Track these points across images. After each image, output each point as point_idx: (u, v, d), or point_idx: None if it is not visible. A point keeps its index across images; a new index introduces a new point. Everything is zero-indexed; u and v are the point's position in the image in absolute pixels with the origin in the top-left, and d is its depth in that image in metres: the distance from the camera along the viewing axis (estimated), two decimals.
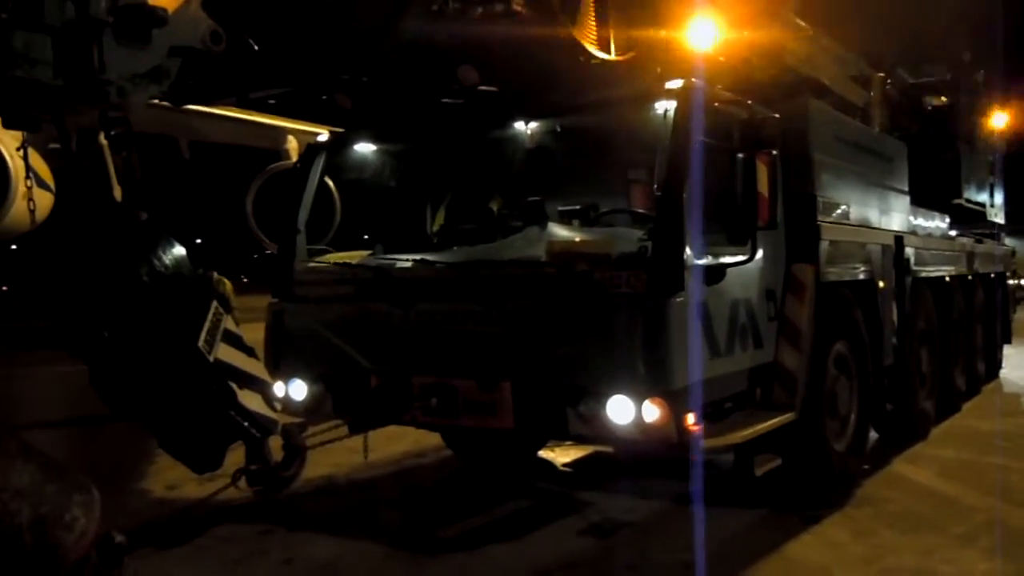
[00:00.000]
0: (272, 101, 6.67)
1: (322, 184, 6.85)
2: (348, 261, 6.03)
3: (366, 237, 7.15)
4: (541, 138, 5.92)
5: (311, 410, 5.99)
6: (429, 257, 5.67)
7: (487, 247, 5.68)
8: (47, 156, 17.19)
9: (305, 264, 6.23)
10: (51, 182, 17.39)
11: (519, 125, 5.91)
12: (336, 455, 6.94)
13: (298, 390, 6.01)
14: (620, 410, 4.78)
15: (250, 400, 3.97)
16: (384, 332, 5.67)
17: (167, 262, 3.87)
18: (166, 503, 6.61)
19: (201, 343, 3.79)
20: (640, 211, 5.47)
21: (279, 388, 6.09)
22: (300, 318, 6.11)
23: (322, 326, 5.94)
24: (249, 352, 4.22)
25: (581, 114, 5.65)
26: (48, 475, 3.33)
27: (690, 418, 4.71)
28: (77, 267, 3.67)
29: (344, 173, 6.99)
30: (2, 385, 14.20)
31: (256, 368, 4.21)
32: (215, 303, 4.08)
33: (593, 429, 4.94)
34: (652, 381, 4.71)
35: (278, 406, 4.23)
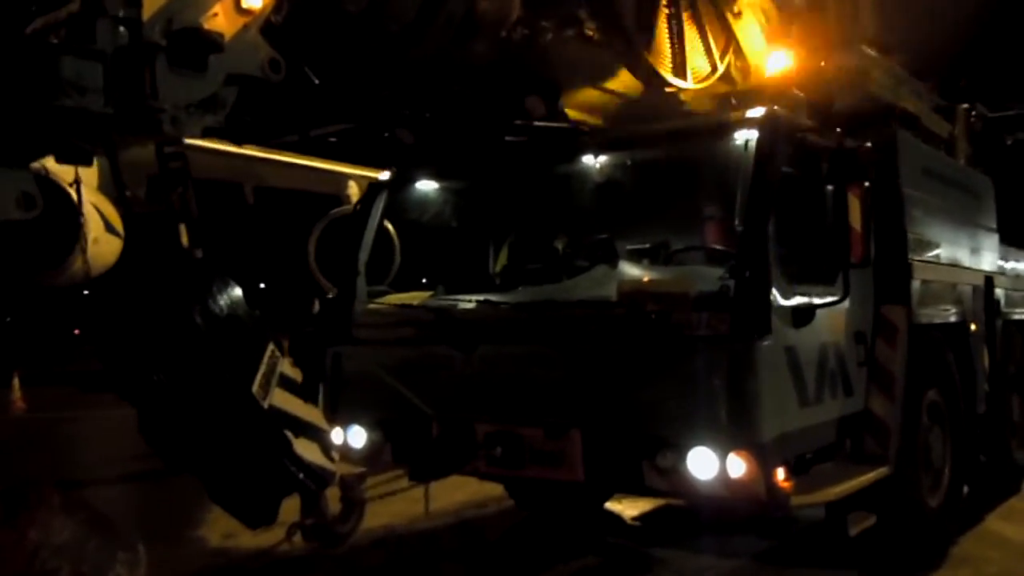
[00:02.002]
0: (333, 139, 6.53)
1: (381, 226, 6.67)
2: (409, 303, 5.78)
3: (424, 280, 6.94)
4: (610, 172, 5.62)
5: (370, 458, 5.74)
6: (493, 298, 5.39)
7: (553, 287, 5.39)
8: (117, 202, 17.45)
9: (365, 306, 5.99)
10: (120, 228, 17.72)
11: (587, 159, 5.63)
12: (396, 504, 6.64)
13: (357, 437, 5.75)
14: (702, 463, 4.42)
15: (306, 450, 3.71)
16: (445, 376, 5.39)
17: (222, 303, 3.66)
18: (221, 553, 6.36)
19: (255, 388, 3.54)
20: (717, 248, 5.13)
21: (337, 435, 5.85)
22: (359, 361, 5.86)
23: (381, 370, 5.69)
24: (307, 398, 3.98)
25: (654, 146, 5.36)
26: (91, 531, 3.09)
27: (780, 473, 4.32)
28: (128, 306, 3.46)
29: (405, 213, 6.77)
30: (68, 428, 14.23)
31: (313, 415, 3.96)
32: (271, 346, 3.85)
33: (671, 484, 4.57)
34: (738, 432, 4.34)
35: (336, 456, 3.96)
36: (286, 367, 3.91)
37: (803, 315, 4.60)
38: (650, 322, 4.67)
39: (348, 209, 11.42)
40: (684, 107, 5.12)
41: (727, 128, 4.89)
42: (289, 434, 3.62)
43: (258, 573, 5.41)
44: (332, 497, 4.30)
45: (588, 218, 6.11)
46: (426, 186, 6.51)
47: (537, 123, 5.30)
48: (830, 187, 4.67)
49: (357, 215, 6.27)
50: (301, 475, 3.67)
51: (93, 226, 14.86)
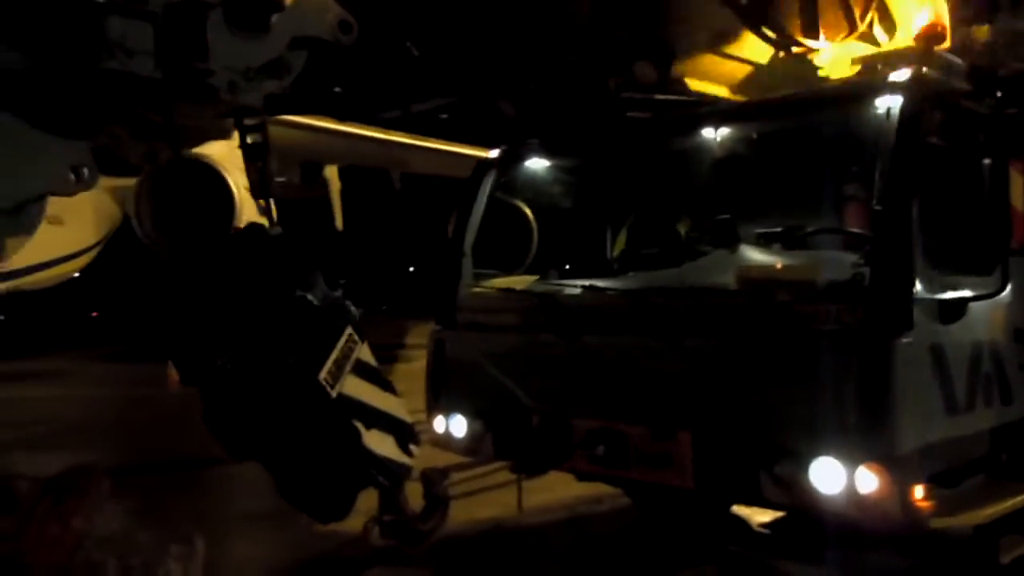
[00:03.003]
0: (444, 116, 6.27)
1: (516, 208, 6.37)
2: (513, 287, 5.46)
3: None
4: (735, 147, 5.09)
5: (471, 449, 5.49)
6: (599, 283, 4.99)
7: (666, 273, 4.94)
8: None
9: (469, 290, 5.72)
10: (273, 212, 18.12)
11: (710, 133, 5.12)
12: (506, 495, 6.31)
13: (458, 426, 5.50)
14: (827, 476, 3.89)
15: (379, 442, 3.44)
16: (548, 366, 5.05)
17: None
18: (299, 546, 6.12)
19: (323, 375, 3.29)
20: (853, 231, 4.54)
21: (439, 424, 5.63)
22: (462, 348, 5.60)
23: (484, 357, 5.40)
24: (385, 386, 3.71)
25: (783, 117, 4.81)
26: (142, 522, 2.91)
27: (918, 491, 3.75)
28: (190, 285, 3.28)
29: (518, 193, 6.45)
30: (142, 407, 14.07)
31: (391, 405, 3.69)
32: (349, 329, 3.60)
33: (792, 496, 4.06)
34: (870, 442, 3.79)
35: (415, 450, 3.67)
36: (364, 353, 3.65)
37: (952, 309, 3.99)
38: (772, 313, 4.18)
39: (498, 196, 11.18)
40: (818, 73, 4.54)
41: (866, 94, 4.29)
42: (359, 425, 3.36)
43: (334, 570, 5.17)
44: (415, 493, 4.05)
45: (712, 198, 5.60)
46: (539, 164, 6.16)
47: (657, 96, 4.87)
48: (988, 161, 4.02)
49: (464, 192, 5.99)
50: (372, 469, 3.40)
51: (246, 209, 15.15)
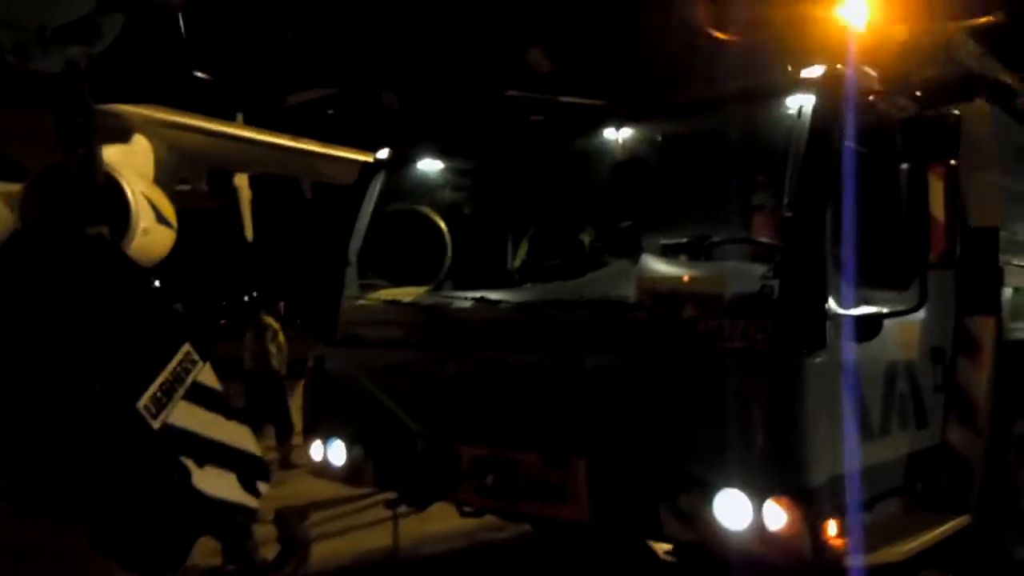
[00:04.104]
0: (331, 111, 5.76)
1: (425, 217, 5.87)
2: (399, 299, 4.97)
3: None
4: (636, 149, 4.73)
5: (350, 477, 4.99)
6: (492, 295, 4.55)
7: (565, 285, 4.53)
8: (173, 196, 17.07)
9: (352, 303, 5.21)
10: (173, 220, 17.33)
11: (610, 133, 4.73)
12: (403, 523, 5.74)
13: (337, 453, 4.97)
14: (732, 510, 3.52)
15: (215, 482, 2.92)
16: (434, 386, 4.58)
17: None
18: None
19: (144, 402, 2.75)
20: (761, 240, 4.20)
21: (316, 449, 5.09)
22: (342, 365, 5.09)
23: (366, 376, 4.90)
24: (230, 414, 3.18)
25: (688, 116, 4.45)
26: None
27: (831, 527, 3.40)
28: None
29: (409, 199, 5.95)
30: None
31: (236, 436, 3.18)
32: (187, 347, 3.06)
33: (694, 532, 3.68)
34: (778, 473, 3.44)
35: (264, 488, 3.15)
36: (205, 375, 3.12)
37: (867, 326, 3.67)
38: (672, 329, 3.81)
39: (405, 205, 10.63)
40: (726, 67, 4.21)
41: (777, 91, 3.96)
42: (189, 462, 2.82)
43: None
44: (268, 536, 3.52)
45: (615, 205, 5.22)
46: (432, 167, 5.70)
47: (563, 99, 4.48)
48: (905, 166, 3.72)
49: (349, 197, 5.49)
50: (205, 514, 2.86)
51: (143, 216, 14.29)
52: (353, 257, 5.33)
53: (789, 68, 3.96)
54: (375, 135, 5.50)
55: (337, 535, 3.82)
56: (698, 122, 4.50)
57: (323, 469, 5.05)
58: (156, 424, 2.75)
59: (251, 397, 9.99)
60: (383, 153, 5.57)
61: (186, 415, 2.91)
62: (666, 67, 4.05)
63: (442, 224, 6.07)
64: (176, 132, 17.62)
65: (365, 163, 5.58)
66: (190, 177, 21.23)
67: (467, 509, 4.72)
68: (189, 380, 2.99)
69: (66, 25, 2.46)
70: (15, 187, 16.44)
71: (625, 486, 3.85)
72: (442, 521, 5.67)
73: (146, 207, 15.89)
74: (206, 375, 3.10)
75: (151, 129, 17.23)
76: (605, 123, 4.73)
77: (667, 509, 3.72)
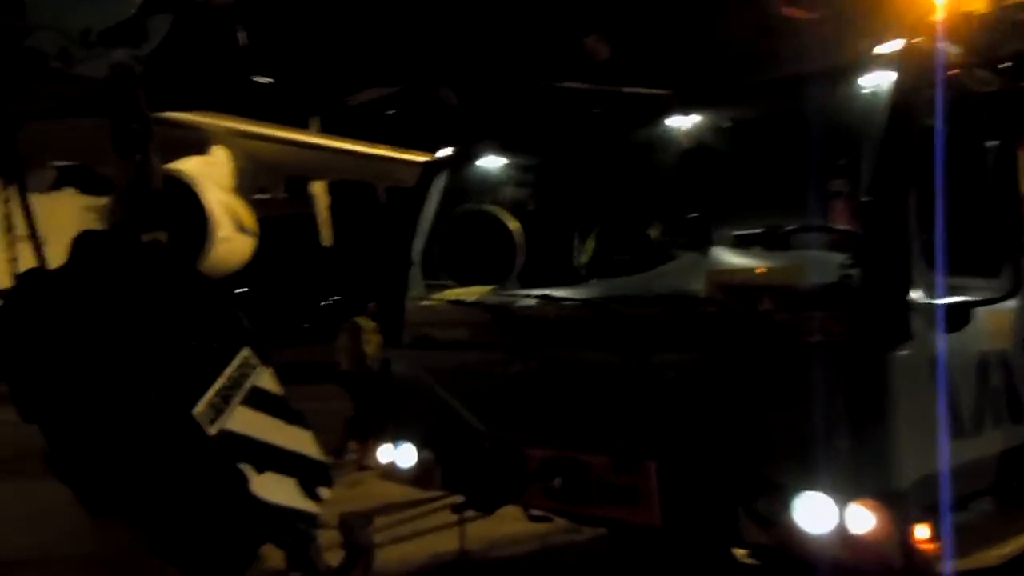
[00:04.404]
0: (391, 111, 5.71)
1: (499, 218, 5.81)
2: (464, 299, 4.89)
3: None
4: (704, 137, 4.54)
5: (419, 480, 4.93)
6: (557, 293, 4.42)
7: (632, 280, 4.37)
8: (252, 205, 17.37)
9: (417, 304, 5.14)
10: (253, 227, 17.60)
11: (677, 121, 4.56)
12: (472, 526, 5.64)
13: (406, 455, 4.92)
14: (814, 514, 3.33)
15: (273, 488, 2.85)
16: (501, 387, 4.47)
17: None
18: None
19: (201, 408, 2.71)
20: (840, 228, 3.98)
21: (385, 452, 5.05)
22: (409, 368, 5.03)
23: (433, 378, 4.83)
24: (291, 418, 3.13)
25: (759, 100, 4.25)
26: None
27: (920, 531, 3.18)
28: (36, 300, 2.69)
29: (471, 197, 5.87)
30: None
31: (296, 441, 3.11)
32: (246, 352, 3.02)
33: (775, 536, 3.49)
34: (863, 475, 3.24)
35: (325, 493, 3.10)
36: (265, 380, 3.07)
37: (955, 316, 3.43)
38: (747, 324, 3.62)
39: (474, 205, 10.57)
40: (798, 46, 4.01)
41: (852, 70, 3.75)
42: (247, 468, 2.77)
43: None
44: (331, 542, 3.46)
45: (684, 197, 5.05)
46: (495, 164, 5.60)
47: (626, 90, 4.33)
48: (992, 144, 3.47)
49: (411, 197, 5.44)
50: (265, 521, 2.82)
51: (223, 225, 14.66)
52: (417, 257, 5.28)
53: (866, 44, 3.73)
54: (435, 134, 5.41)
55: (405, 539, 3.73)
56: (770, 106, 4.30)
57: (392, 472, 5.01)
58: (213, 430, 2.71)
59: (355, 399, 10.01)
60: (444, 152, 5.50)
61: (244, 420, 2.86)
62: (735, 49, 3.85)
63: (514, 223, 6.01)
64: (253, 142, 17.98)
65: (426, 163, 5.51)
66: (268, 186, 21.68)
67: (535, 513, 4.61)
68: (248, 385, 2.94)
69: (111, 28, 2.44)
70: (103, 200, 17.01)
71: (699, 489, 3.68)
72: (514, 523, 5.56)
73: (225, 216, 16.29)
74: (266, 380, 3.05)
75: (229, 140, 17.62)
76: (671, 111, 4.56)
77: (745, 513, 3.55)
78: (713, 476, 3.64)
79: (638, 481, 3.86)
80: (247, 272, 18.89)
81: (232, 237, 16.31)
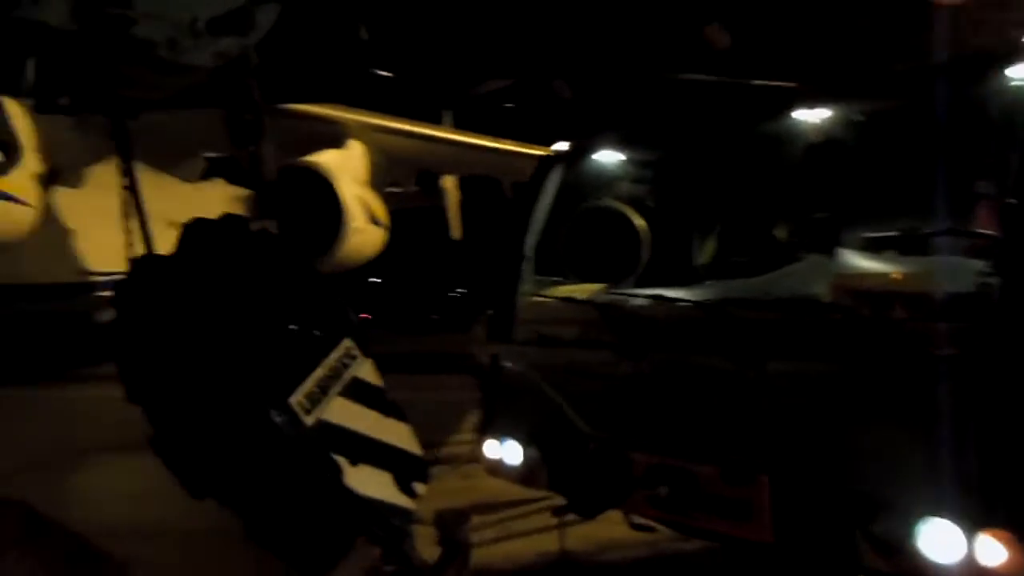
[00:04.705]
0: (510, 104, 5.67)
1: (619, 213, 5.73)
2: (574, 296, 4.78)
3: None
4: (833, 131, 4.28)
5: (524, 479, 4.85)
6: (668, 293, 4.26)
7: (750, 283, 4.17)
8: (386, 197, 17.84)
9: (528, 299, 5.07)
10: (384, 219, 18.07)
11: (804, 114, 4.31)
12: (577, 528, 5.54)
13: (511, 453, 4.86)
14: (940, 542, 3.06)
15: (367, 481, 2.83)
16: (608, 388, 4.35)
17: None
18: None
19: (298, 397, 2.71)
20: (981, 232, 3.66)
21: (491, 448, 5.01)
22: (517, 364, 4.96)
23: (541, 376, 4.75)
24: (389, 411, 3.11)
25: (895, 92, 3.97)
26: (59, 572, 2.38)
27: None
28: (146, 285, 2.76)
29: (588, 192, 5.76)
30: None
31: (395, 435, 3.09)
32: (348, 343, 3.01)
33: (895, 565, 3.24)
34: (995, 501, 2.95)
35: (421, 488, 3.06)
36: (365, 371, 3.06)
37: None
38: (874, 333, 3.38)
39: (600, 201, 10.48)
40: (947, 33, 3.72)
41: (1003, 58, 3.43)
42: (342, 460, 2.76)
43: None
44: (429, 538, 3.43)
45: (811, 197, 4.79)
46: (612, 159, 5.47)
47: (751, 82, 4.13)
48: None
49: (526, 190, 5.37)
50: (358, 514, 2.80)
51: (356, 217, 15.16)
52: (530, 252, 5.21)
53: (1018, 31, 3.41)
54: (550, 126, 5.33)
55: (505, 539, 3.66)
56: (907, 98, 3.99)
57: (497, 468, 4.96)
58: (309, 420, 2.71)
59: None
60: (560, 145, 5.40)
61: (342, 412, 2.85)
62: (870, 36, 3.59)
63: (640, 221, 5.88)
64: (387, 136, 18.44)
65: (542, 157, 5.43)
66: (400, 179, 22.19)
67: (637, 522, 4.46)
68: (348, 376, 2.93)
69: (219, 17, 2.45)
70: (242, 191, 17.75)
71: (814, 508, 3.46)
72: (622, 526, 5.43)
73: (359, 208, 16.78)
74: (365, 371, 3.03)
75: (365, 134, 18.13)
76: (798, 103, 4.31)
77: (863, 536, 3.31)
78: (830, 494, 3.41)
79: (749, 495, 3.67)
80: (379, 263, 19.41)
81: (364, 228, 16.80)
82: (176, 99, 2.78)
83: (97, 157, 10.43)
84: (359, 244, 16.97)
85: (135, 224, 3.08)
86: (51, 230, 14.27)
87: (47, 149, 14.42)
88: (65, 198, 14.82)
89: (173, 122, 11.41)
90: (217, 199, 17.40)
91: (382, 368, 3.10)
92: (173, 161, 17.53)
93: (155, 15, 2.30)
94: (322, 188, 16.12)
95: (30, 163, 13.68)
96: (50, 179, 14.66)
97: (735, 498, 3.70)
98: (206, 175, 18.54)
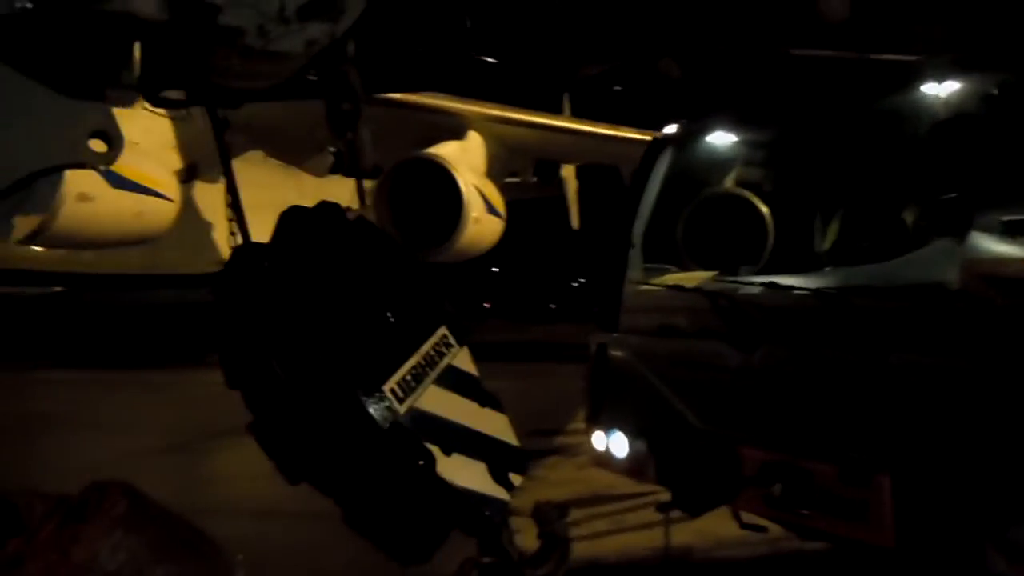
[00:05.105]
0: (617, 88, 5.53)
1: (745, 201, 5.57)
2: (682, 283, 4.62)
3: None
4: (964, 106, 3.96)
5: (632, 471, 4.73)
6: (782, 280, 4.05)
7: (872, 269, 3.91)
8: (505, 188, 18.00)
9: (636, 288, 4.94)
10: (503, 210, 18.23)
11: (932, 87, 4.01)
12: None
13: (619, 445, 4.74)
14: None
15: (460, 470, 2.78)
16: (719, 381, 4.18)
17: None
18: None
19: (391, 384, 2.68)
20: None
21: (598, 440, 4.91)
22: (624, 354, 4.83)
23: (647, 366, 4.61)
24: (485, 401, 3.05)
25: None
26: (162, 553, 2.42)
27: None
28: (251, 271, 2.79)
29: (700, 176, 5.56)
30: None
31: (490, 425, 3.02)
32: (443, 331, 2.97)
33: None
34: None
35: (517, 480, 2.99)
36: (461, 360, 3.01)
37: None
38: (1007, 323, 3.10)
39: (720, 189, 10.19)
40: None
41: None
42: (435, 448, 2.71)
43: None
44: (529, 531, 3.34)
45: (941, 177, 4.47)
46: (726, 141, 5.26)
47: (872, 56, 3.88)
48: None
49: (635, 175, 5.22)
50: (451, 504, 2.75)
51: (475, 207, 15.36)
52: (638, 240, 5.06)
53: None
54: (660, 109, 5.16)
55: (613, 533, 3.55)
56: None
57: (604, 460, 4.86)
58: (402, 408, 2.67)
59: None
60: (670, 128, 5.23)
61: (435, 400, 2.81)
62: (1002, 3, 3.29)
63: (765, 208, 5.65)
64: (505, 127, 18.57)
65: (651, 140, 5.26)
66: (519, 169, 22.28)
67: (746, 522, 4.27)
68: (443, 364, 2.89)
69: (307, 3, 2.44)
70: (369, 183, 18.22)
71: (940, 511, 3.21)
72: (731, 524, 5.22)
73: (478, 199, 16.95)
74: (461, 360, 2.98)
75: (482, 125, 18.30)
76: (926, 78, 4.01)
77: (994, 543, 3.05)
78: (957, 497, 3.16)
79: (869, 496, 3.44)
80: (499, 253, 19.57)
81: (483, 219, 16.99)
82: (275, 90, 2.80)
83: (233, 152, 10.88)
84: (477, 234, 17.16)
85: (236, 215, 3.11)
86: (190, 223, 15.05)
87: (185, 146, 15.16)
88: (202, 192, 15.60)
89: (287, 115, 11.73)
90: (344, 192, 17.90)
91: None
92: (300, 155, 18.11)
93: (243, 2, 2.30)
94: (443, 179, 16.37)
95: (170, 160, 14.43)
96: (189, 174, 15.42)
97: (853, 498, 3.48)
98: (333, 169, 19.07)
